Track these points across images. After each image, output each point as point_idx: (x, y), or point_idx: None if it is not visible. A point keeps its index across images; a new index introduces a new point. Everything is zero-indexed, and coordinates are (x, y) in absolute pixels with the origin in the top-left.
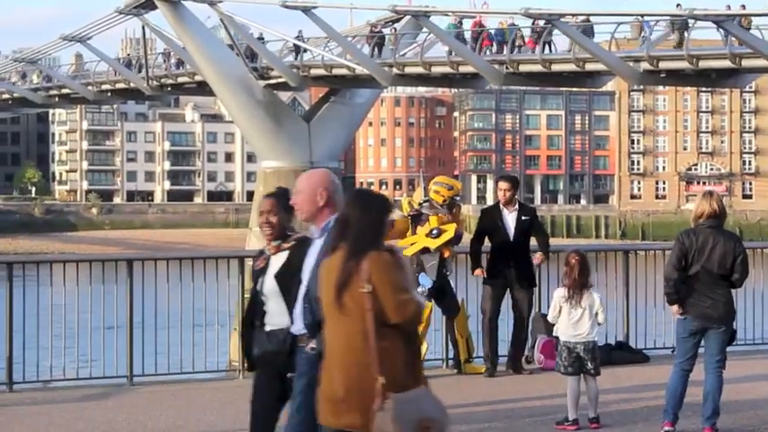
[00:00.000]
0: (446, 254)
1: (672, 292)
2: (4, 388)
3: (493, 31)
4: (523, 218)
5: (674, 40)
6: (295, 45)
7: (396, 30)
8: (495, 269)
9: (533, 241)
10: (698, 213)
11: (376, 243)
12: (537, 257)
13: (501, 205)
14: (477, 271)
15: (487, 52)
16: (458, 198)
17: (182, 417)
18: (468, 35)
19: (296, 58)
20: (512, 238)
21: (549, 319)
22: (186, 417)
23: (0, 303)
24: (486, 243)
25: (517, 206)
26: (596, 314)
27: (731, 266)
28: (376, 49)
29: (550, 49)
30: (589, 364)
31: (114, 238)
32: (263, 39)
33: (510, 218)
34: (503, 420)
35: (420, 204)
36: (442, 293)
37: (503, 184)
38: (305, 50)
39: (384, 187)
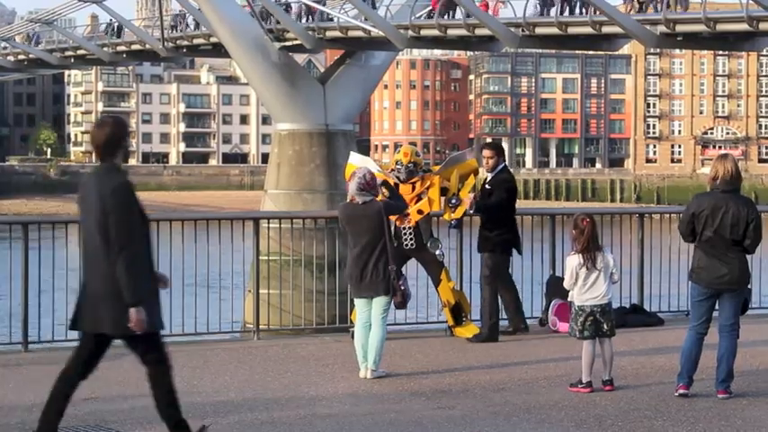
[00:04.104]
0: (411, 222)
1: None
2: (19, 348)
3: None
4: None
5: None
6: None
7: None
8: (502, 235)
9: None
10: (712, 176)
11: None
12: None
13: (486, 172)
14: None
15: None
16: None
17: (196, 377)
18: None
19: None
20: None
21: (566, 286)
22: (201, 377)
23: (16, 263)
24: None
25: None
26: (611, 274)
27: (744, 232)
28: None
29: (573, 12)
30: (605, 326)
31: None
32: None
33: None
34: (517, 383)
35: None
36: (423, 261)
37: (486, 152)
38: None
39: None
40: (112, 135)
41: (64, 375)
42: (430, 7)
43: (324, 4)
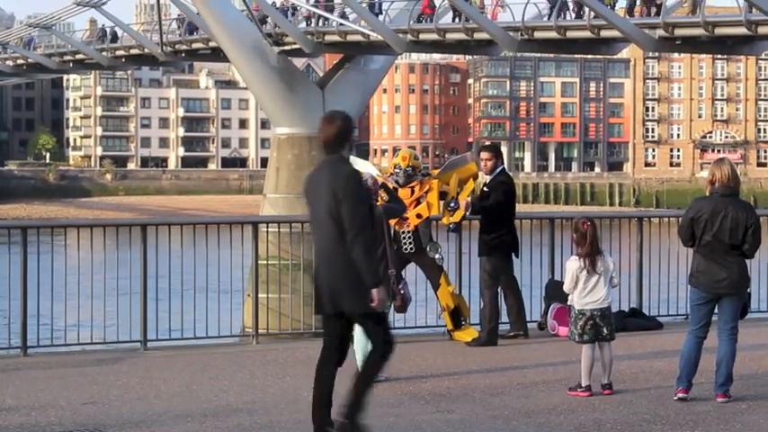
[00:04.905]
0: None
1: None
2: (18, 352)
3: None
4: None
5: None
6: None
7: None
8: (500, 238)
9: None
10: (709, 180)
11: None
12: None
13: (485, 175)
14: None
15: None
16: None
17: (195, 381)
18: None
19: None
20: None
21: (566, 290)
22: (199, 381)
23: (15, 268)
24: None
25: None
26: (611, 278)
27: (743, 237)
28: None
29: (562, 15)
30: (605, 330)
31: (128, 204)
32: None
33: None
34: (516, 386)
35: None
36: (423, 265)
37: (484, 155)
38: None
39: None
40: (342, 129)
41: (319, 368)
42: (420, 11)
43: (333, 9)
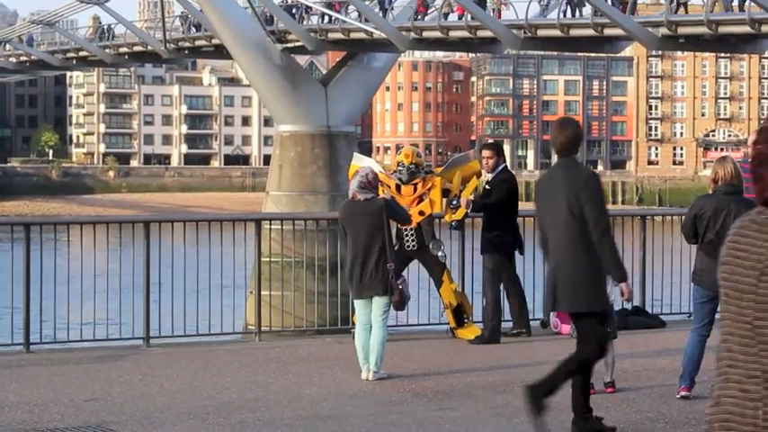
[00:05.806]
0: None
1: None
2: (21, 349)
3: None
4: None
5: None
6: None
7: None
8: (502, 236)
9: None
10: (712, 178)
11: None
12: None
13: (486, 173)
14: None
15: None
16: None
17: (198, 378)
18: None
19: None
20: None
21: None
22: (202, 378)
23: (17, 264)
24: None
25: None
26: None
27: None
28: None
29: (580, 13)
30: (608, 328)
31: (131, 201)
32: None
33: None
34: (518, 385)
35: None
36: (426, 262)
37: (485, 153)
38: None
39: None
40: (575, 135)
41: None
42: (414, 10)
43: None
